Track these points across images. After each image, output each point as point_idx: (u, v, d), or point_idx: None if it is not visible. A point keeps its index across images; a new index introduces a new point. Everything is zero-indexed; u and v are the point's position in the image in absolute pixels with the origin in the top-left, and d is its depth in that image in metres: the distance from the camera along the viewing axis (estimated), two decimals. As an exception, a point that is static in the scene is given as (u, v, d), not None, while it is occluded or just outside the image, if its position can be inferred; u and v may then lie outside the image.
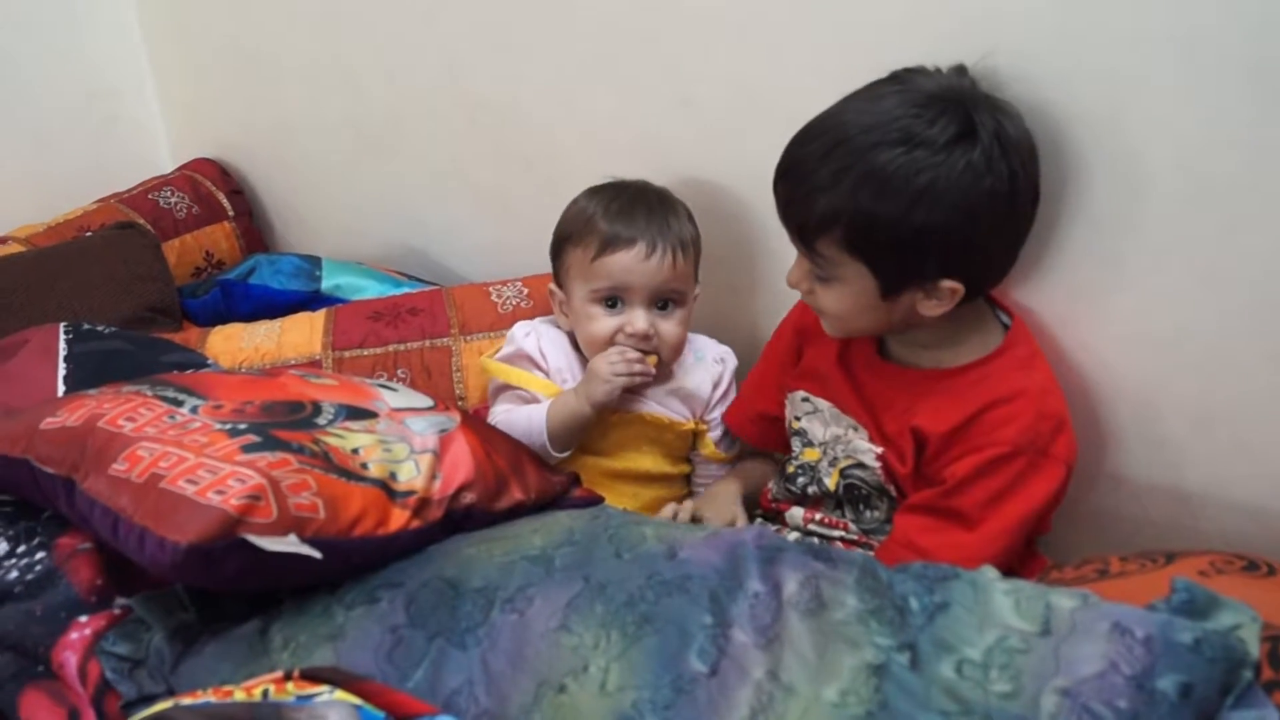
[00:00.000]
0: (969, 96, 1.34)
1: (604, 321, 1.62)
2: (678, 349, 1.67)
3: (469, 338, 1.82)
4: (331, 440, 1.27)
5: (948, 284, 1.37)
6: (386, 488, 1.25)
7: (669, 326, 1.64)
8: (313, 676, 1.03)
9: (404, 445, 1.31)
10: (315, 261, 2.07)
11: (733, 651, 1.07)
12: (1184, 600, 1.04)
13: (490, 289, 1.88)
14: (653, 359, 1.62)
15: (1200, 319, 1.37)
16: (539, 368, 1.68)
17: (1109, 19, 1.30)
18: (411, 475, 1.28)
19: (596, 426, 1.65)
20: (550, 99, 1.86)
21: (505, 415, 1.64)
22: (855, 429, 1.52)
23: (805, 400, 1.60)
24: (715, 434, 1.71)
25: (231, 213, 2.37)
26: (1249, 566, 1.26)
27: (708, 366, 1.72)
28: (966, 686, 1.00)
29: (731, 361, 1.74)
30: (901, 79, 1.37)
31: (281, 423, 1.28)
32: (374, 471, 1.26)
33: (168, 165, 2.48)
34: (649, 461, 1.68)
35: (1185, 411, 1.42)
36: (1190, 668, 0.98)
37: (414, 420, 1.36)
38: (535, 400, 1.66)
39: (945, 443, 1.43)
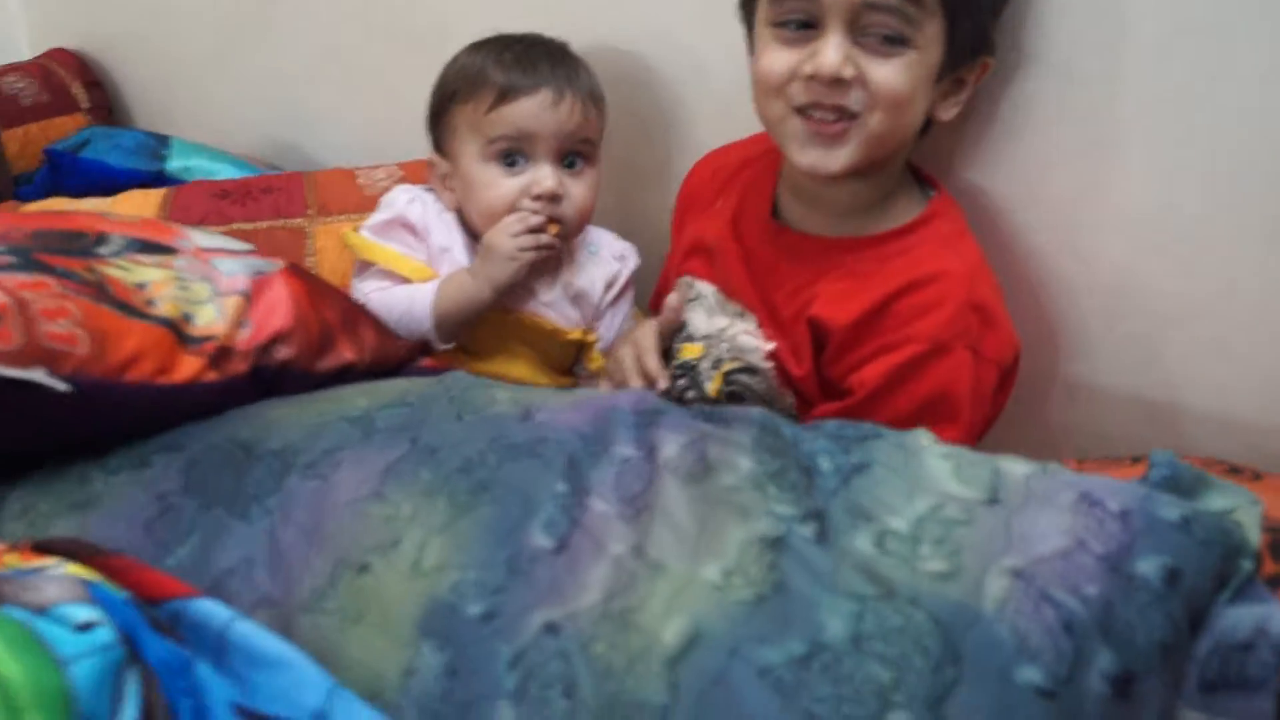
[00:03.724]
0: None
1: (504, 183, 1.36)
2: (585, 217, 1.41)
3: (327, 219, 1.56)
4: (112, 271, 1.02)
5: (988, 60, 1.18)
6: (176, 329, 1.01)
7: (578, 189, 1.38)
8: (46, 548, 0.82)
9: (206, 285, 1.06)
10: (162, 139, 1.81)
11: (588, 522, 0.83)
12: (1165, 476, 0.81)
13: (357, 172, 1.63)
14: (555, 228, 1.35)
15: (1181, 190, 1.17)
16: (419, 240, 1.40)
17: None
18: (212, 319, 1.02)
19: (465, 321, 1.37)
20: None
21: (380, 294, 1.36)
22: (742, 316, 1.26)
23: (690, 286, 1.34)
24: (605, 345, 1.43)
25: (86, 105, 2.10)
26: (1232, 470, 1.05)
27: (604, 263, 1.46)
28: (889, 564, 0.76)
29: (633, 260, 1.48)
30: None
31: (50, 248, 1.02)
32: (162, 309, 1.01)
33: (25, 55, 2.21)
34: (523, 370, 1.41)
35: (1160, 304, 1.21)
36: (1177, 549, 0.75)
37: (224, 260, 1.11)
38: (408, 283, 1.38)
39: (850, 337, 1.18)
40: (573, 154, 1.37)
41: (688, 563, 0.80)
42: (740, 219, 1.32)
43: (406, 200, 1.40)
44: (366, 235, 1.39)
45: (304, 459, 0.93)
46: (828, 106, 1.15)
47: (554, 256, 1.39)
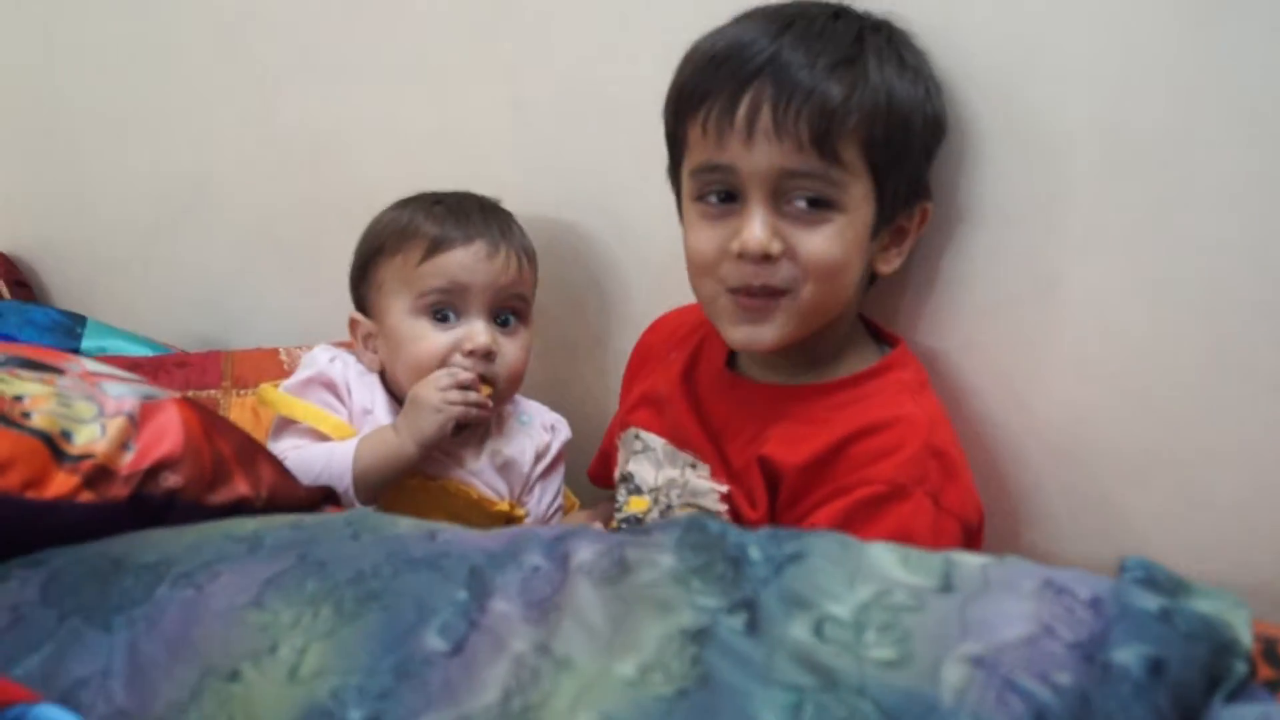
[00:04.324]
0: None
1: (434, 337, 1.29)
2: (518, 379, 1.35)
3: (243, 391, 1.48)
4: (-13, 383, 0.92)
5: (929, 207, 1.15)
6: (52, 443, 0.92)
7: (512, 347, 1.32)
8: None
9: (90, 405, 0.98)
10: (78, 318, 1.73)
11: (488, 624, 0.73)
12: (1141, 579, 0.71)
13: (280, 350, 1.55)
14: (486, 389, 1.28)
15: (1133, 326, 1.13)
16: (339, 400, 1.32)
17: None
18: (93, 438, 0.94)
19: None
20: (368, 123, 1.62)
21: (296, 452, 1.27)
22: (694, 466, 1.18)
23: (636, 438, 1.27)
24: (534, 520, 1.34)
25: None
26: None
27: (534, 433, 1.38)
28: (830, 651, 0.66)
29: (564, 432, 1.41)
30: None
31: (-78, 358, 0.93)
32: (38, 422, 0.92)
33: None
34: (446, 542, 1.30)
35: (1118, 456, 1.15)
36: (1159, 639, 0.67)
37: (113, 385, 1.02)
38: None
39: (803, 480, 1.11)
40: (506, 310, 1.32)
41: (599, 659, 0.70)
42: (694, 370, 1.26)
43: (328, 359, 1.34)
44: (285, 392, 1.30)
45: (179, 569, 0.84)
46: (755, 288, 1.11)
47: (482, 422, 1.31)
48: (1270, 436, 1.08)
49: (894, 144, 1.09)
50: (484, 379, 1.29)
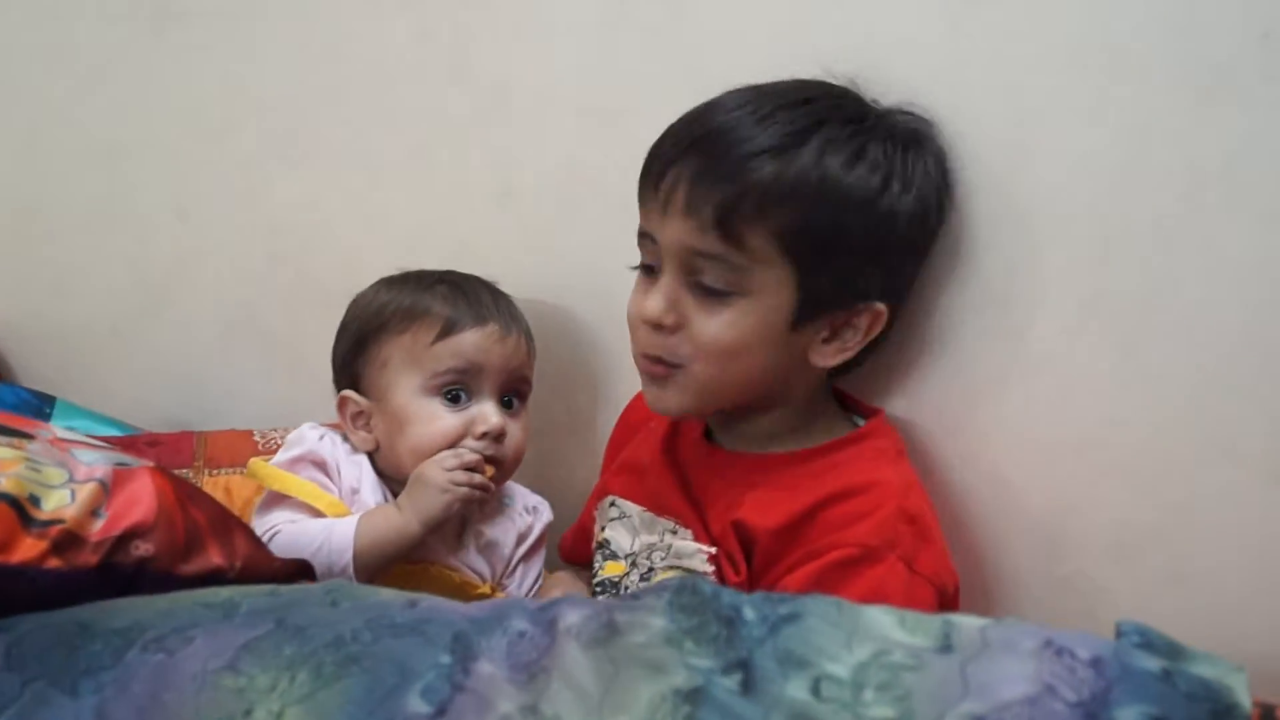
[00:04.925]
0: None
1: (446, 419, 1.28)
2: (519, 461, 1.33)
3: (215, 471, 1.45)
4: (-46, 446, 0.90)
5: (879, 309, 1.11)
6: (19, 508, 0.90)
7: (515, 429, 1.31)
8: None
9: (60, 471, 0.95)
10: (46, 398, 1.70)
11: (473, 685, 0.71)
12: (1138, 644, 0.70)
13: (255, 431, 1.53)
14: (490, 470, 1.27)
15: (1124, 409, 1.11)
16: (329, 479, 1.31)
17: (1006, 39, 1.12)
18: (62, 504, 0.92)
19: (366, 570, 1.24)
20: (355, 212, 1.61)
21: (291, 526, 1.24)
22: (675, 531, 1.17)
23: (612, 505, 1.26)
24: (513, 604, 1.31)
25: (-16, 393, 1.99)
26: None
27: (516, 516, 1.37)
28: (828, 710, 0.65)
29: (545, 514, 1.39)
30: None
31: (-111, 420, 0.91)
32: (6, 486, 0.91)
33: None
34: (425, 627, 1.27)
35: (1104, 536, 1.13)
36: (1161, 699, 0.66)
37: (84, 451, 1.00)
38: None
39: (776, 544, 1.09)
40: (511, 392, 1.32)
41: (590, 718, 0.67)
42: (675, 439, 1.26)
43: (317, 437, 1.32)
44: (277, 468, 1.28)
45: (150, 635, 0.81)
46: (652, 356, 1.14)
47: (484, 503, 1.29)
48: (1263, 521, 1.07)
49: (818, 237, 1.07)
50: (491, 460, 1.28)
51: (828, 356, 1.12)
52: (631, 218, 1.19)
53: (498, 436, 1.28)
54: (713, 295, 1.10)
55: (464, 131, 1.51)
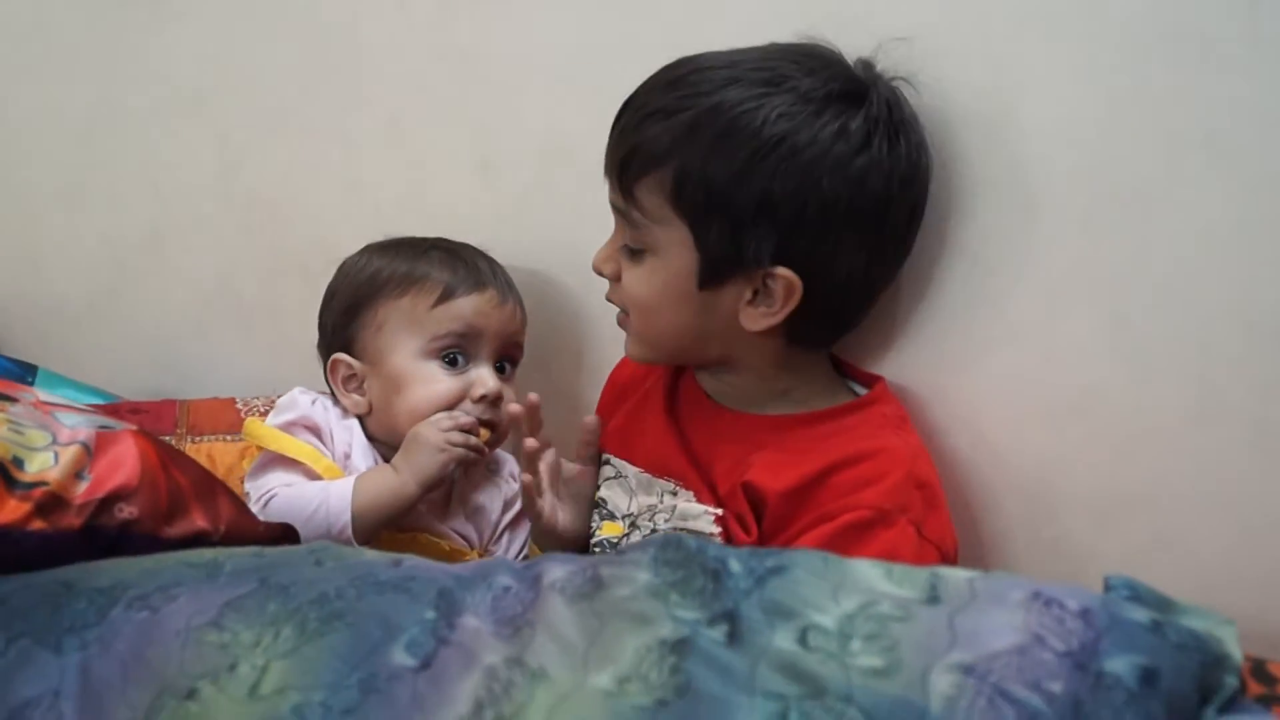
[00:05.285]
0: (867, 70, 1.13)
1: (444, 381, 1.28)
2: (510, 426, 1.33)
3: (198, 439, 1.45)
4: (-65, 407, 0.90)
5: (783, 274, 1.08)
6: (3, 470, 0.91)
7: (509, 394, 1.32)
8: None
9: (44, 433, 0.95)
10: (28, 367, 1.68)
11: (458, 639, 0.72)
12: (1127, 597, 0.70)
13: (237, 399, 1.52)
14: (485, 433, 1.27)
15: (1108, 375, 1.11)
16: (322, 444, 1.31)
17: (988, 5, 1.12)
18: (45, 466, 0.91)
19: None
20: (333, 184, 1.59)
21: (288, 489, 1.24)
22: (675, 493, 1.18)
23: (607, 463, 1.27)
24: (498, 567, 1.31)
25: (-45, 360, 1.98)
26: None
27: (503, 482, 1.37)
28: (815, 659, 0.65)
29: None
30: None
31: None
32: (-12, 448, 0.88)
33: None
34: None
35: (1091, 500, 1.14)
36: (1151, 649, 0.66)
37: (67, 415, 0.99)
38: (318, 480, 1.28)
39: (786, 506, 1.10)
40: (505, 358, 1.33)
41: (575, 671, 0.69)
42: (674, 399, 1.26)
43: (309, 401, 1.33)
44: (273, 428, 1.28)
45: (134, 593, 0.81)
46: (612, 301, 1.21)
47: (478, 465, 1.31)
48: (1249, 482, 1.08)
49: (703, 200, 1.09)
50: (489, 424, 1.29)
51: (754, 320, 1.12)
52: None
53: (494, 400, 1.29)
54: (633, 252, 1.15)
55: (442, 102, 1.50)
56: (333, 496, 1.22)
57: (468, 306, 1.30)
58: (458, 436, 1.24)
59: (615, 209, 1.16)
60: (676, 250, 1.12)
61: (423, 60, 1.50)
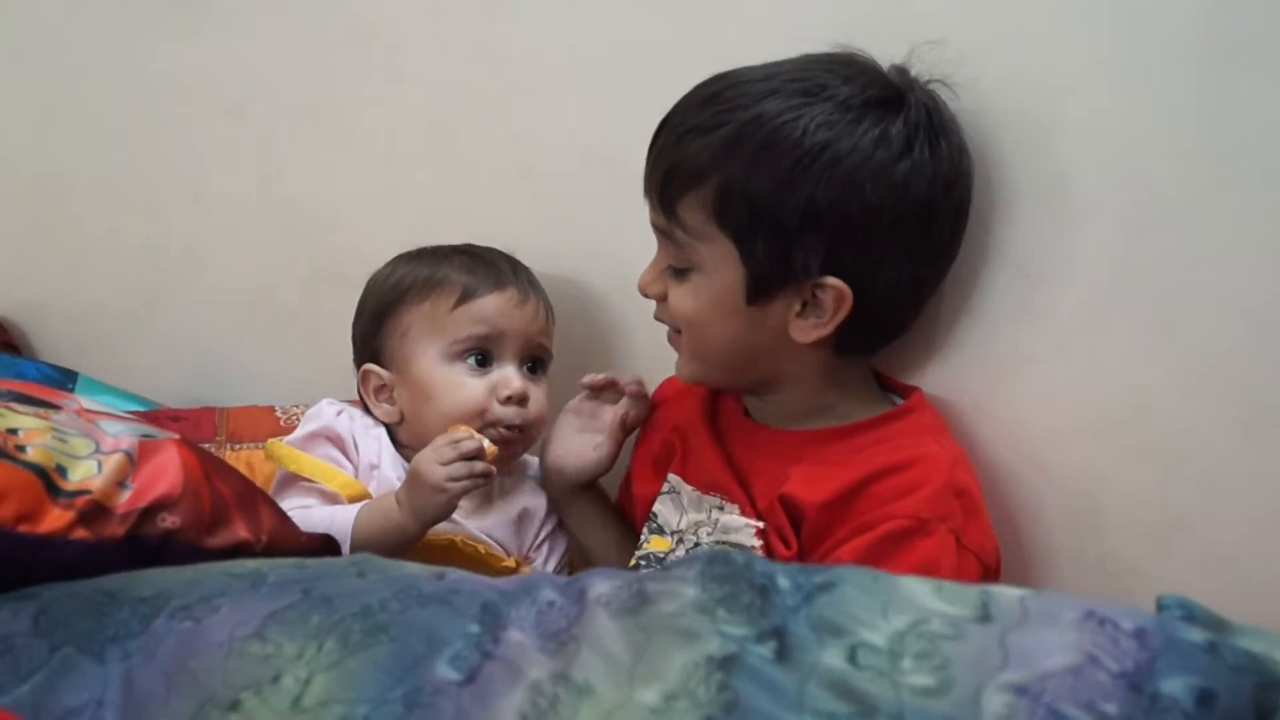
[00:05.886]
0: (903, 76, 1.13)
1: (471, 384, 1.28)
2: (543, 426, 1.33)
3: (237, 446, 1.46)
4: (-19, 414, 0.90)
5: (832, 284, 1.08)
6: (47, 478, 0.90)
7: (539, 394, 1.31)
8: None
9: (87, 441, 0.95)
10: (69, 374, 1.70)
11: (502, 654, 0.71)
12: (1181, 617, 0.69)
13: (276, 407, 1.53)
14: (492, 450, 1.21)
15: (1156, 387, 1.10)
16: (345, 456, 1.30)
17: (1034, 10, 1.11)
18: (88, 475, 0.92)
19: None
20: (374, 192, 1.60)
21: (300, 513, 1.20)
22: (721, 507, 1.17)
23: (667, 480, 1.26)
24: (538, 578, 1.30)
25: (-4, 364, 1.99)
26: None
27: (541, 490, 1.34)
28: (865, 678, 0.64)
29: None
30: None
31: (-85, 388, 0.91)
32: (33, 456, 0.90)
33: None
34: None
35: (1139, 516, 1.13)
36: (1207, 671, 0.65)
37: (110, 423, 1.00)
38: (336, 501, 1.26)
39: (825, 518, 1.10)
40: (532, 359, 1.32)
41: (621, 687, 0.68)
42: (715, 416, 1.27)
43: (334, 412, 1.32)
44: (291, 445, 1.28)
45: (177, 603, 0.81)
46: (661, 321, 1.21)
47: (495, 477, 1.28)
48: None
49: (747, 214, 1.09)
50: (516, 426, 1.28)
51: (804, 332, 1.12)
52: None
53: (521, 400, 1.28)
54: (678, 272, 1.16)
55: (484, 109, 1.50)
56: (336, 527, 1.18)
57: (489, 306, 1.29)
58: (459, 469, 1.17)
59: (657, 229, 1.17)
60: (722, 267, 1.12)
61: (464, 67, 1.50)
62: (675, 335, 1.21)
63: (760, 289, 1.11)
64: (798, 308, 1.11)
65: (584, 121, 1.44)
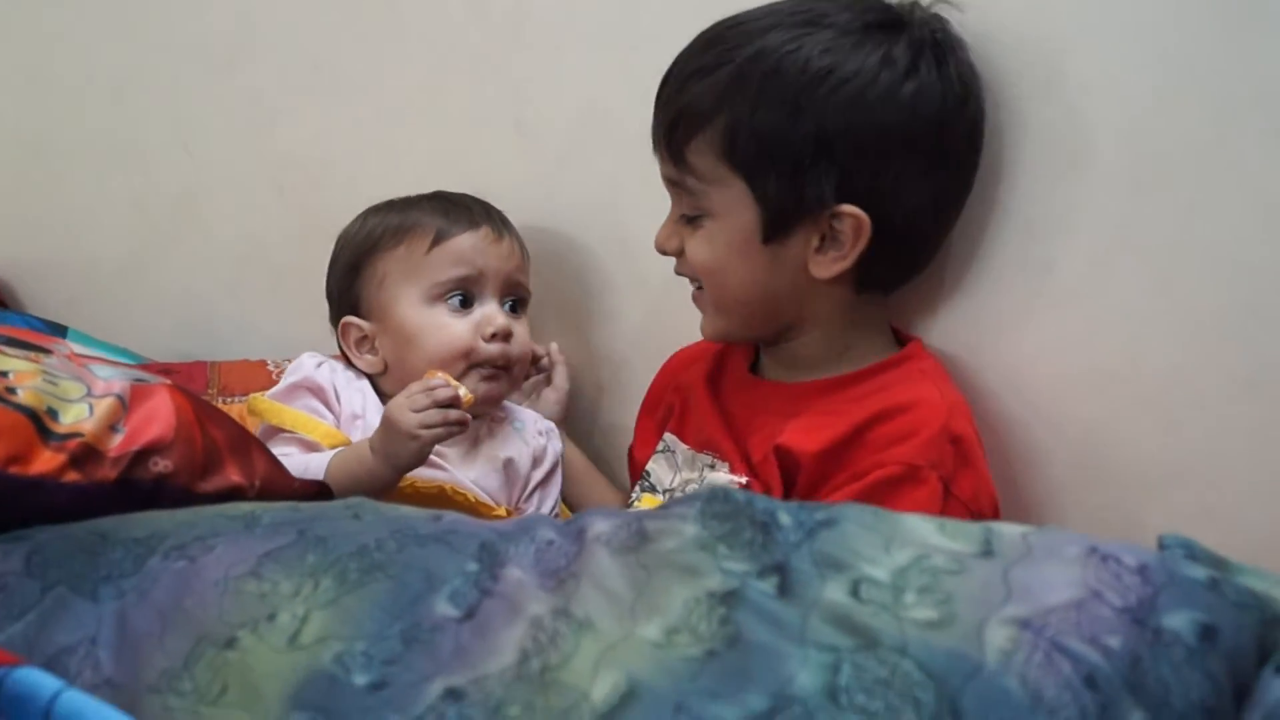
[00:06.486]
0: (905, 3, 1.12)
1: (455, 324, 1.27)
2: (526, 366, 1.34)
3: (229, 399, 1.44)
4: (-30, 356, 0.89)
5: (849, 211, 1.07)
6: (38, 420, 0.89)
7: (521, 331, 1.30)
8: None
9: (78, 385, 0.95)
10: (59, 329, 1.68)
11: (502, 590, 0.71)
12: (1183, 555, 0.69)
13: (269, 361, 1.52)
14: (469, 397, 1.20)
15: (1156, 340, 1.10)
16: (327, 407, 1.29)
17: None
18: (79, 417, 0.91)
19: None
20: (366, 144, 1.59)
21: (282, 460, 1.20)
22: (713, 466, 1.17)
23: (662, 440, 1.26)
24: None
25: (-14, 320, 1.98)
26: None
27: (530, 438, 1.35)
28: (867, 612, 0.64)
29: (556, 439, 1.37)
30: None
31: (-96, 330, 0.90)
32: (24, 398, 0.89)
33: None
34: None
35: (1138, 468, 1.12)
36: (1209, 606, 0.65)
37: (101, 367, 0.99)
38: (317, 451, 1.24)
39: (820, 467, 1.09)
40: (511, 297, 1.31)
41: (622, 622, 0.68)
42: (719, 376, 1.26)
43: (314, 364, 1.31)
44: (272, 398, 1.27)
45: (171, 543, 0.80)
46: (683, 275, 1.20)
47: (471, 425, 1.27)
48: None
49: (756, 149, 1.08)
50: (501, 365, 1.28)
51: (824, 267, 1.11)
52: (645, 150, 1.19)
53: (506, 337, 1.27)
54: (691, 220, 1.15)
55: (478, 63, 1.49)
56: (309, 473, 1.17)
57: (464, 244, 1.28)
58: (434, 415, 1.15)
59: (668, 181, 1.16)
60: (736, 208, 1.11)
61: (458, 20, 1.49)
62: (699, 293, 1.20)
63: (776, 226, 1.10)
64: (816, 242, 1.10)
65: (580, 76, 1.42)
